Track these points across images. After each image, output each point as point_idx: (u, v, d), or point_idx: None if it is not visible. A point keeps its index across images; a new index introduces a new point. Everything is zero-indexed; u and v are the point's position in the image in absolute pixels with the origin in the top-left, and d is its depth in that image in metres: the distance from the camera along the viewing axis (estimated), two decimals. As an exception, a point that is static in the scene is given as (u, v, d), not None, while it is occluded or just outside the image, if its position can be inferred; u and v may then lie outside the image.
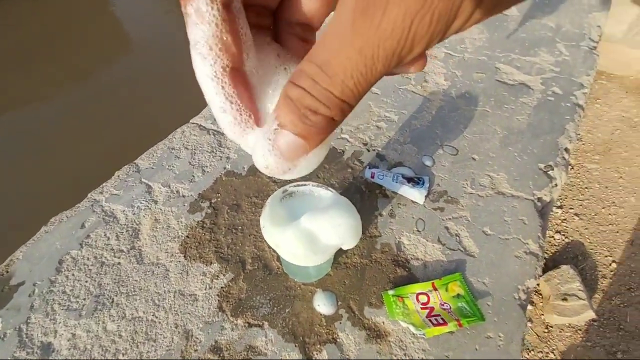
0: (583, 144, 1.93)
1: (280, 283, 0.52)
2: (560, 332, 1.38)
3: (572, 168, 1.85)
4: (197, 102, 0.83)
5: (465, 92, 0.82)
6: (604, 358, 1.31)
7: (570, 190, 1.78)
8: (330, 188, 0.45)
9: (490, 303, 0.51)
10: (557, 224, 1.65)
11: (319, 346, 0.47)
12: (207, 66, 0.16)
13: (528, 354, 1.34)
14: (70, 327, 0.47)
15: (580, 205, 1.72)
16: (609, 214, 1.68)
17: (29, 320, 0.48)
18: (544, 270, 1.49)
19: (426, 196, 0.62)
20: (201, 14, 0.15)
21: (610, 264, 1.54)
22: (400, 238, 0.57)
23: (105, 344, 0.46)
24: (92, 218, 0.58)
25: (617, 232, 1.62)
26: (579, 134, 1.95)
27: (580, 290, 1.35)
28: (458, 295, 0.51)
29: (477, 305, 0.50)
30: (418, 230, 0.58)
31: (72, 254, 0.54)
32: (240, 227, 0.58)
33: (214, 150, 0.69)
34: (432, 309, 0.50)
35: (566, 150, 0.72)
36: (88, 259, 0.54)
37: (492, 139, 0.72)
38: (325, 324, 0.49)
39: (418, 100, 0.80)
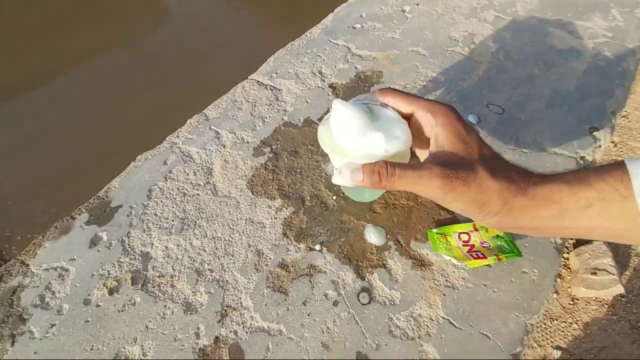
0: (629, 122, 1.85)
1: (335, 217, 0.59)
2: (586, 305, 1.40)
3: (615, 145, 1.79)
4: (248, 62, 0.89)
5: (514, 55, 0.83)
6: (628, 332, 1.33)
7: (611, 168, 1.73)
8: (393, 109, 0.44)
9: (527, 245, 0.56)
10: (593, 202, 1.63)
11: (370, 269, 0.54)
12: None
13: (551, 323, 1.38)
14: (163, 241, 0.57)
15: (620, 184, 1.68)
16: (650, 194, 1.63)
17: (129, 234, 0.58)
18: (575, 246, 1.49)
19: (470, 150, 0.66)
20: None
21: (645, 244, 1.52)
22: (444, 186, 0.62)
23: (193, 255, 0.56)
24: (172, 157, 0.67)
25: (657, 212, 1.58)
26: (626, 111, 1.87)
27: (611, 265, 1.35)
28: (497, 236, 0.56)
29: (515, 244, 0.55)
30: (461, 180, 0.63)
31: (158, 185, 0.63)
32: (299, 170, 0.65)
33: (272, 104, 0.76)
34: (472, 246, 0.55)
35: (613, 113, 0.73)
36: (172, 189, 0.63)
37: (539, 101, 0.74)
38: (375, 252, 0.56)
39: (465, 61, 0.82)
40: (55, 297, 0.52)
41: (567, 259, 1.49)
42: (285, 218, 0.59)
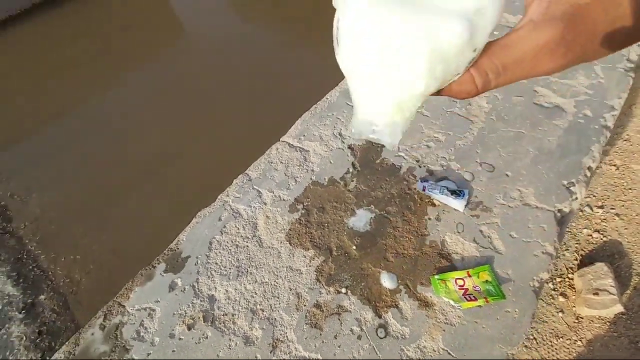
0: (630, 145, 1.94)
1: (357, 265, 0.75)
2: (590, 323, 1.50)
3: (617, 168, 1.88)
4: (279, 121, 1.06)
5: (504, 115, 0.97)
6: (627, 346, 1.43)
7: (613, 190, 1.82)
8: None
9: (511, 288, 0.70)
10: (596, 223, 1.73)
11: (386, 309, 0.69)
12: None
13: (557, 341, 1.49)
14: (224, 286, 0.74)
15: (622, 205, 1.77)
16: (652, 214, 1.72)
17: (197, 280, 0.75)
18: (579, 266, 1.60)
19: (465, 205, 0.81)
20: None
21: (646, 263, 1.60)
22: (444, 237, 0.77)
23: (247, 297, 0.72)
24: (225, 214, 0.84)
25: (659, 232, 1.67)
26: (628, 134, 1.96)
27: (611, 286, 1.46)
28: (486, 281, 0.71)
29: (500, 288, 0.69)
30: (458, 232, 0.78)
31: (216, 238, 0.80)
32: (326, 224, 0.81)
33: (302, 164, 0.92)
34: (466, 290, 0.70)
35: (589, 168, 0.86)
36: (227, 242, 0.80)
37: (525, 158, 0.88)
38: (389, 294, 0.71)
39: (462, 122, 0.97)
40: (148, 332, 0.69)
41: (572, 279, 1.60)
42: (317, 266, 0.75)
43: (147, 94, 2.16)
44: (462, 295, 0.69)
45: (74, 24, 2.73)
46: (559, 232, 0.77)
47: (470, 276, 0.71)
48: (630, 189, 1.83)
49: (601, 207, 1.80)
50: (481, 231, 0.77)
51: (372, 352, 0.65)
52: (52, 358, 0.67)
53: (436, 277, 0.72)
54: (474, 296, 0.69)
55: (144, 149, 1.90)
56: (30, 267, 1.83)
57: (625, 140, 1.99)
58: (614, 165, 1.91)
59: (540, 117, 0.96)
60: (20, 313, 1.69)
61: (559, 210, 0.80)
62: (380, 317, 0.69)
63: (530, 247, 0.75)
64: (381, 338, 0.66)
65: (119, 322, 0.71)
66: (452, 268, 0.73)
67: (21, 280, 1.77)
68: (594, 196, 1.82)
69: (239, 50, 2.35)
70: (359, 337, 0.66)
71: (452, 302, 0.69)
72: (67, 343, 0.69)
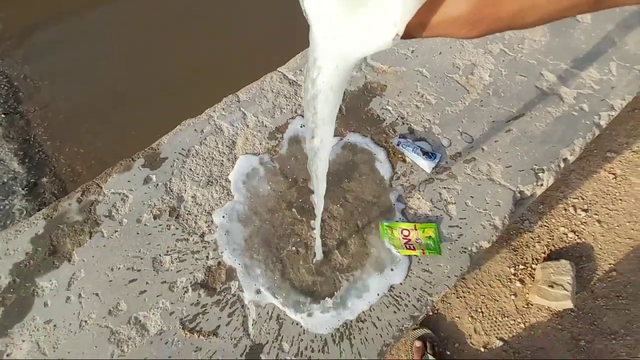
0: (637, 157, 1.91)
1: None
2: (538, 311, 1.60)
3: (615, 178, 1.87)
4: (281, 54, 1.06)
5: (502, 92, 0.96)
6: (567, 341, 1.54)
7: (603, 197, 1.83)
8: None
9: (450, 248, 0.76)
10: (575, 225, 1.76)
11: (333, 241, 0.76)
12: None
13: (502, 319, 1.60)
14: (193, 190, 0.80)
15: (607, 214, 1.78)
16: (632, 229, 1.74)
17: (171, 180, 0.81)
18: (545, 260, 1.66)
19: (433, 168, 0.84)
20: None
21: (610, 272, 1.66)
22: (404, 192, 0.82)
23: (212, 204, 0.79)
24: (207, 127, 0.88)
25: (632, 247, 1.70)
26: (639, 146, 1.91)
27: (569, 283, 1.53)
28: (429, 237, 0.76)
29: (439, 245, 0.75)
30: (418, 190, 0.82)
31: (195, 147, 0.86)
32: (299, 157, 0.85)
33: (291, 97, 0.94)
34: (409, 240, 0.76)
35: (564, 160, 0.87)
36: (204, 153, 0.85)
37: (506, 137, 0.89)
38: (339, 230, 0.77)
39: (459, 90, 0.97)
40: (119, 213, 0.77)
41: (535, 269, 1.67)
42: (281, 192, 0.81)
43: (158, 6, 2.11)
44: (404, 244, 0.75)
45: None
46: (512, 211, 0.80)
47: (416, 229, 0.77)
48: (620, 200, 1.83)
49: (585, 210, 1.82)
50: (440, 194, 0.82)
51: (311, 273, 0.72)
52: (31, 218, 0.76)
53: (385, 223, 0.77)
54: (413, 246, 0.75)
55: (151, 57, 1.92)
56: (36, 150, 1.93)
57: (634, 152, 1.95)
58: (613, 174, 1.89)
59: (535, 101, 0.95)
60: (23, 189, 1.82)
61: (520, 192, 0.83)
62: (325, 245, 0.75)
63: (480, 218, 0.79)
64: (319, 264, 0.73)
65: (95, 199, 0.79)
66: (402, 220, 0.79)
67: (27, 160, 1.89)
68: (583, 199, 1.83)
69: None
70: (304, 260, 0.74)
71: (392, 249, 0.75)
72: (46, 207, 0.77)
